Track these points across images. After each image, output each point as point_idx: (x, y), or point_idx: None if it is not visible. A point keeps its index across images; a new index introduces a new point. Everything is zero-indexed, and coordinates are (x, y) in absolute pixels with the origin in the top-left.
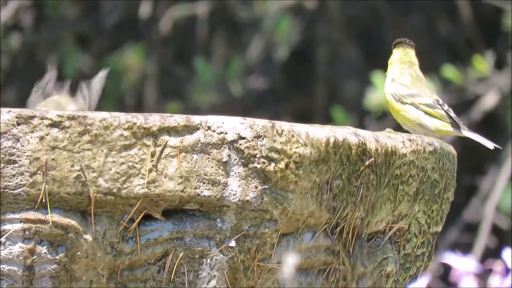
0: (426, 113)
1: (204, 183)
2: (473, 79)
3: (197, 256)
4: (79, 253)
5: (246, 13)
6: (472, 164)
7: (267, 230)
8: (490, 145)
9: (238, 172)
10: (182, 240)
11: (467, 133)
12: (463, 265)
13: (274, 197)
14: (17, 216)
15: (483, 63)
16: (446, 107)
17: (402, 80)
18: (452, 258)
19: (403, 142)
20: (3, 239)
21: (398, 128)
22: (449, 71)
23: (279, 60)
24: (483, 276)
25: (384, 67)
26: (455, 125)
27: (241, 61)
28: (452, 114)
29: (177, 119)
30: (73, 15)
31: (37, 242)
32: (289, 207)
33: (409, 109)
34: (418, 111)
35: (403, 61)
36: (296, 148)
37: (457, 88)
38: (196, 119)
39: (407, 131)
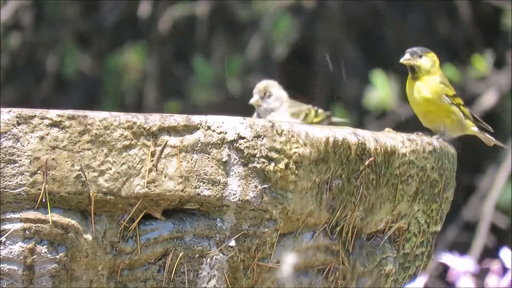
0: (463, 112)
1: (204, 182)
2: (473, 78)
3: (197, 255)
4: (79, 252)
5: (245, 12)
6: (471, 163)
7: (266, 230)
8: (504, 146)
9: (238, 172)
10: (182, 240)
11: (487, 136)
12: (461, 265)
13: (274, 196)
14: (17, 215)
15: (482, 63)
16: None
17: (445, 81)
18: (449, 258)
19: (403, 141)
20: (3, 239)
21: (397, 127)
22: (449, 71)
23: (278, 59)
24: (481, 275)
25: (383, 66)
26: (477, 125)
27: (240, 60)
28: (475, 115)
29: (177, 119)
30: (73, 15)
31: (37, 241)
32: (289, 206)
33: (455, 109)
34: (459, 110)
35: (439, 67)
36: (295, 148)
37: (456, 87)
38: (196, 119)
39: (408, 131)
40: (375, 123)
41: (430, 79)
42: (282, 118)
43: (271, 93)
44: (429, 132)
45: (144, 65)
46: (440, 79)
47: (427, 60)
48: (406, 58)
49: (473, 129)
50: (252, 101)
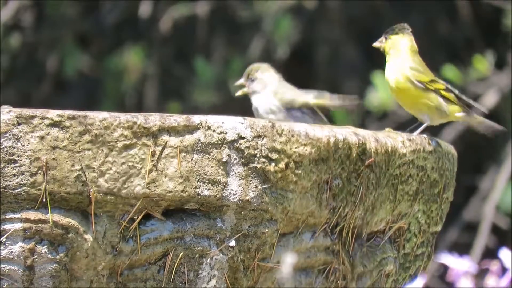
0: (444, 97)
1: (204, 183)
2: (474, 79)
3: (197, 255)
4: (79, 252)
5: (246, 12)
6: (472, 163)
7: (267, 230)
8: (499, 127)
9: (238, 172)
10: (182, 240)
11: (479, 118)
12: (460, 265)
13: (274, 196)
14: (17, 215)
15: (483, 63)
16: (456, 90)
17: (418, 67)
18: (448, 258)
19: (403, 141)
20: (3, 239)
21: (398, 128)
22: (450, 71)
23: (279, 60)
24: (480, 275)
25: (384, 67)
26: (467, 110)
27: (241, 61)
28: (464, 97)
29: (177, 119)
30: (73, 15)
31: (38, 241)
32: (289, 206)
33: (432, 95)
34: (438, 96)
35: (412, 49)
36: (296, 148)
37: (456, 88)
38: (196, 119)
39: (411, 130)
40: (376, 124)
41: (399, 62)
42: (265, 100)
43: (255, 77)
44: (414, 121)
45: (144, 65)
46: (411, 64)
47: (394, 42)
48: (379, 41)
49: (458, 115)
50: (237, 83)
